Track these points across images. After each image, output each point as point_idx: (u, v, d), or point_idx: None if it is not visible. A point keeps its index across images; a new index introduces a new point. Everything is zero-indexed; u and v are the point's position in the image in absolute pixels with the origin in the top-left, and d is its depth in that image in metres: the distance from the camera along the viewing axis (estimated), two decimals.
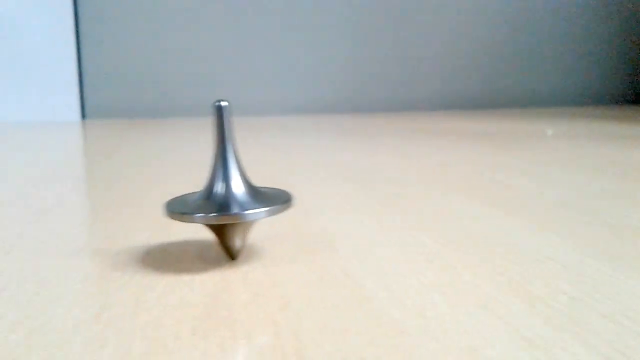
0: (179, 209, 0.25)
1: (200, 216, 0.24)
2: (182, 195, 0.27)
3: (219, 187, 0.25)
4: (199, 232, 0.32)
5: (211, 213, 0.24)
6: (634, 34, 1.63)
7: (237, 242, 0.25)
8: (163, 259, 0.27)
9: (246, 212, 0.24)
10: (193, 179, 0.50)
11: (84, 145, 0.83)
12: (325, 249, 0.29)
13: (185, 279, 0.24)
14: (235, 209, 0.24)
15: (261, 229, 0.32)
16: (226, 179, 0.25)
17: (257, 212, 0.24)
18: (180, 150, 0.72)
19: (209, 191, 0.25)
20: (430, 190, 0.44)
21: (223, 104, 0.25)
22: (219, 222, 0.24)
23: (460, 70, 1.54)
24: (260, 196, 0.25)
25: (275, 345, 0.18)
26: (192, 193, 0.27)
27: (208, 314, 0.20)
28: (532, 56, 1.58)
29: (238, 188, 0.25)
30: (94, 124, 1.21)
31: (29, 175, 0.54)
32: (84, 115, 1.36)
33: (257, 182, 0.47)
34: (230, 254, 0.26)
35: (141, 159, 0.63)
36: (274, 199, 0.25)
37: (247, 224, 0.25)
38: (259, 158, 0.63)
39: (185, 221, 0.24)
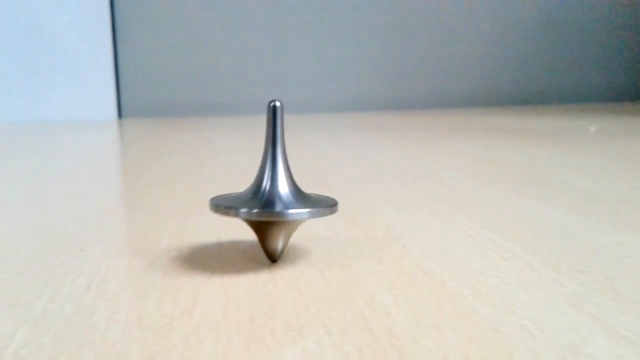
0: (223, 203, 0.25)
1: (244, 211, 0.24)
2: (229, 193, 0.27)
3: (266, 186, 0.25)
4: None
5: (254, 209, 0.24)
6: None
7: (278, 243, 0.25)
8: (238, 256, 0.27)
9: (289, 211, 0.24)
10: (237, 177, 0.50)
11: (126, 143, 0.84)
12: (395, 247, 0.28)
13: (265, 277, 0.24)
14: (279, 207, 0.24)
15: (325, 228, 0.32)
16: (274, 178, 0.25)
17: (299, 212, 0.24)
18: (220, 149, 0.73)
19: (255, 189, 0.25)
20: (485, 187, 0.43)
21: (277, 104, 0.25)
22: (260, 219, 0.24)
23: (495, 67, 1.52)
24: (306, 199, 0.25)
25: (372, 342, 0.18)
26: (239, 192, 0.27)
27: (297, 311, 0.21)
28: (567, 52, 1.56)
29: (284, 188, 0.25)
30: (131, 123, 1.23)
31: (79, 174, 0.55)
32: (120, 114, 1.37)
33: (306, 180, 0.48)
34: (270, 255, 0.26)
35: (187, 159, 0.63)
36: (319, 202, 0.25)
37: (289, 226, 0.25)
38: (301, 156, 0.63)
39: (229, 215, 0.24)
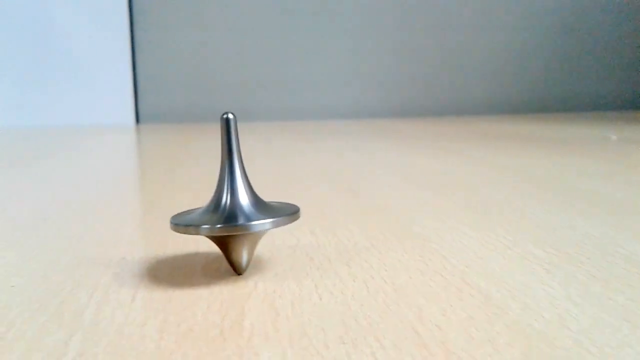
0: (183, 221, 0.24)
1: (206, 228, 0.23)
2: (190, 210, 0.27)
3: (226, 199, 0.25)
4: (299, 240, 0.32)
5: (217, 225, 0.23)
6: None
7: (243, 255, 0.25)
8: (278, 266, 0.27)
9: (252, 222, 0.23)
10: (255, 184, 0.50)
11: (148, 149, 0.85)
12: (435, 258, 0.28)
13: (309, 288, 0.24)
14: (241, 220, 0.24)
15: (364, 238, 0.32)
16: (233, 191, 0.25)
17: (262, 222, 0.24)
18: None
19: (215, 203, 0.25)
20: (516, 197, 0.43)
21: (230, 116, 0.25)
22: (223, 234, 0.24)
23: (511, 74, 1.52)
24: (267, 208, 0.25)
25: (428, 356, 0.18)
26: (198, 208, 0.27)
27: (347, 323, 0.21)
28: (583, 60, 1.55)
29: (245, 200, 0.25)
30: (149, 128, 1.23)
31: (99, 179, 0.55)
32: (138, 120, 1.38)
33: (332, 189, 0.47)
34: (236, 268, 0.25)
35: (212, 165, 0.64)
36: (281, 211, 0.25)
37: (253, 237, 0.25)
38: (326, 163, 0.63)
39: (190, 233, 0.24)
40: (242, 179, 0.26)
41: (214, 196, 0.26)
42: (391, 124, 1.24)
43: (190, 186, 0.50)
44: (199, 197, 0.44)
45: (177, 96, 1.39)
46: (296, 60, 1.42)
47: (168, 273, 0.26)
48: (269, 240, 0.31)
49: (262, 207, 0.25)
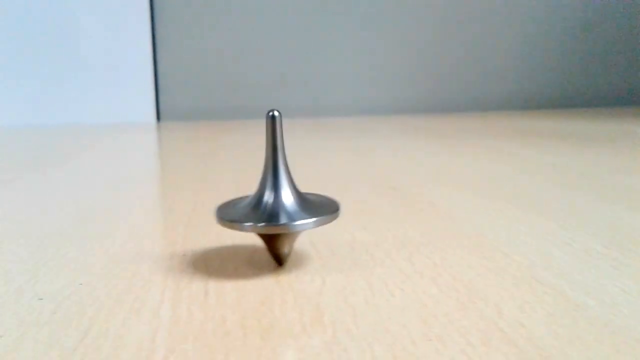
0: (228, 216, 0.25)
1: (249, 225, 0.24)
2: (234, 200, 0.27)
3: (269, 196, 0.25)
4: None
5: (260, 222, 0.24)
6: None
7: (284, 249, 0.26)
8: (345, 262, 0.27)
9: (294, 222, 0.24)
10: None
11: (174, 146, 0.85)
12: (498, 255, 0.28)
13: (378, 285, 0.24)
14: (283, 219, 0.24)
15: (419, 235, 0.32)
16: (276, 188, 0.25)
17: (304, 223, 0.24)
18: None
19: (258, 199, 0.25)
20: (562, 192, 0.43)
21: (276, 113, 0.25)
22: (268, 232, 0.24)
23: (533, 70, 1.50)
24: (309, 206, 0.25)
25: (518, 354, 0.18)
26: (242, 198, 0.27)
27: (428, 321, 0.20)
28: (606, 54, 1.54)
29: (287, 198, 0.25)
30: (171, 126, 1.24)
31: (133, 177, 0.55)
32: (158, 117, 1.38)
33: (374, 186, 0.47)
34: (277, 260, 0.26)
35: (231, 161, 0.64)
36: (322, 209, 0.25)
37: (294, 234, 0.25)
38: (360, 160, 0.63)
39: (234, 229, 0.24)
40: (286, 175, 0.26)
41: (258, 191, 0.26)
42: (415, 121, 1.23)
43: (224, 181, 0.50)
44: (239, 191, 0.44)
45: (199, 94, 1.39)
46: (318, 57, 1.42)
47: (232, 267, 0.26)
48: (324, 236, 0.31)
49: (304, 204, 0.26)
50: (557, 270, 0.26)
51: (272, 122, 0.26)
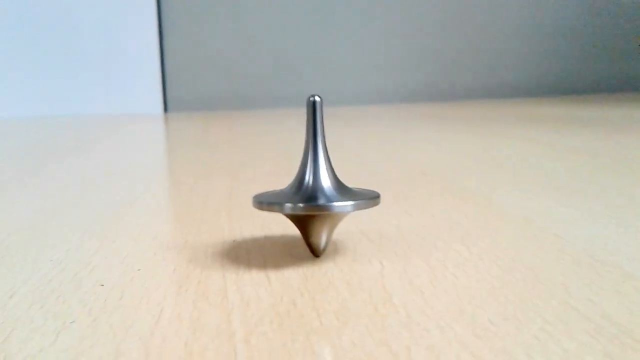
0: (267, 199, 0.25)
1: (289, 206, 0.24)
2: (271, 190, 0.27)
3: (309, 180, 0.25)
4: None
5: (299, 204, 0.24)
6: None
7: (322, 237, 0.25)
8: (398, 243, 0.27)
9: (334, 203, 0.24)
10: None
11: (190, 136, 0.85)
12: (547, 237, 0.28)
13: (439, 266, 0.24)
14: (322, 201, 0.24)
15: (460, 217, 0.32)
16: (316, 173, 0.25)
17: (344, 204, 0.24)
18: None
19: (298, 184, 0.25)
20: (607, 179, 0.43)
21: (317, 99, 0.25)
22: (306, 213, 0.24)
23: (539, 56, 1.50)
24: (349, 192, 0.25)
25: (597, 329, 0.18)
26: (280, 189, 0.27)
27: (500, 301, 0.20)
28: (611, 40, 1.53)
29: (327, 182, 0.25)
30: (179, 117, 1.23)
31: (154, 166, 0.55)
32: (166, 108, 1.38)
33: (403, 172, 0.47)
34: (314, 250, 0.25)
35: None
36: (362, 195, 0.25)
37: (333, 219, 0.25)
38: (383, 147, 0.63)
39: (273, 211, 0.24)
40: (325, 161, 0.26)
41: (297, 177, 0.26)
42: (421, 108, 1.23)
43: (253, 170, 0.50)
44: (271, 179, 0.44)
45: (206, 84, 1.38)
46: (326, 47, 1.42)
47: (286, 253, 0.26)
48: (370, 222, 0.31)
49: (343, 190, 0.25)
50: (613, 249, 0.26)
51: (313, 107, 0.26)
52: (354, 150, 0.60)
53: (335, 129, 0.84)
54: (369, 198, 0.25)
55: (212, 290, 0.22)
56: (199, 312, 0.20)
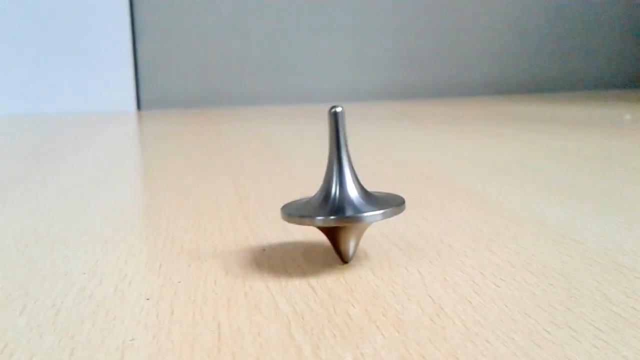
0: (296, 212, 0.25)
1: (320, 219, 0.24)
2: (296, 201, 0.28)
3: (335, 191, 0.26)
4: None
5: (329, 216, 0.24)
6: None
7: (351, 245, 0.26)
8: (423, 253, 0.28)
9: (363, 214, 0.24)
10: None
11: (181, 136, 0.84)
12: (568, 242, 0.29)
13: (472, 271, 0.25)
14: (350, 212, 0.25)
15: (477, 222, 0.33)
16: (342, 183, 0.26)
17: (372, 214, 0.24)
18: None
19: (325, 195, 0.26)
20: (598, 179, 0.44)
21: (339, 109, 0.26)
22: (336, 225, 0.24)
23: (508, 56, 1.53)
24: (375, 200, 0.26)
25: None
26: (303, 198, 0.28)
27: (546, 309, 0.21)
28: (576, 40, 1.57)
29: (353, 192, 0.26)
30: (153, 115, 1.22)
31: (155, 169, 0.54)
32: (139, 106, 1.36)
33: (406, 177, 0.48)
34: (343, 257, 0.26)
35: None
36: (388, 202, 0.26)
37: (361, 228, 0.26)
38: (376, 148, 0.63)
39: (304, 224, 0.25)
40: (350, 171, 0.26)
41: (323, 187, 0.26)
42: (398, 106, 1.25)
43: (252, 171, 0.50)
44: (267, 183, 0.44)
45: (180, 82, 1.37)
46: (299, 44, 1.42)
47: (321, 262, 0.27)
48: (392, 228, 0.32)
49: (369, 198, 0.26)
50: (631, 253, 0.27)
51: (335, 118, 0.26)
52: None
53: (320, 128, 0.85)
54: (396, 205, 0.26)
55: (262, 302, 0.22)
56: (258, 326, 0.20)
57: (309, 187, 0.40)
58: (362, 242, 0.29)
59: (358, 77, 1.46)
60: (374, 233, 0.31)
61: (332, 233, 0.26)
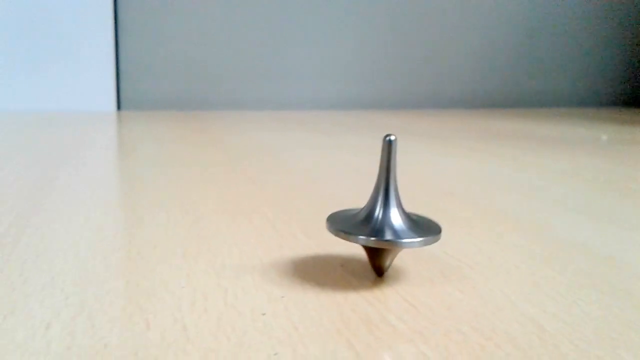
0: (343, 228, 0.27)
1: (363, 239, 0.27)
2: (341, 211, 0.30)
3: (379, 213, 0.28)
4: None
5: (370, 236, 0.27)
6: None
7: (387, 262, 0.28)
8: (452, 272, 0.29)
9: (402, 240, 0.26)
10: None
11: (178, 138, 0.84)
12: (605, 260, 0.31)
13: (503, 288, 0.27)
14: (391, 235, 0.27)
15: (492, 237, 0.35)
16: (386, 206, 0.28)
17: (411, 241, 0.27)
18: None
19: (368, 214, 0.28)
20: (592, 193, 0.47)
21: (392, 138, 0.28)
22: (375, 246, 0.27)
23: (486, 70, 1.57)
24: (415, 225, 0.28)
25: None
26: (348, 210, 0.30)
27: (598, 331, 0.23)
28: (548, 57, 1.63)
29: (396, 216, 0.28)
30: (132, 115, 1.21)
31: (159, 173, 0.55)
32: (119, 106, 1.35)
33: (401, 186, 0.50)
34: (377, 272, 0.29)
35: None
36: (427, 230, 0.28)
37: (397, 250, 0.28)
38: (371, 160, 0.65)
39: (349, 241, 0.27)
40: (395, 195, 0.28)
41: (368, 206, 0.28)
42: (374, 117, 1.27)
43: (272, 179, 0.51)
44: (284, 189, 0.46)
45: (161, 83, 1.37)
46: (283, 49, 1.43)
47: (360, 274, 0.28)
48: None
49: (410, 223, 0.28)
50: None
51: (389, 146, 0.28)
52: (346, 163, 0.62)
53: (308, 136, 0.86)
54: (434, 234, 0.27)
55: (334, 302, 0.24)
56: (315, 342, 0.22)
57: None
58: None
59: (342, 86, 1.48)
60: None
61: (371, 251, 0.28)
